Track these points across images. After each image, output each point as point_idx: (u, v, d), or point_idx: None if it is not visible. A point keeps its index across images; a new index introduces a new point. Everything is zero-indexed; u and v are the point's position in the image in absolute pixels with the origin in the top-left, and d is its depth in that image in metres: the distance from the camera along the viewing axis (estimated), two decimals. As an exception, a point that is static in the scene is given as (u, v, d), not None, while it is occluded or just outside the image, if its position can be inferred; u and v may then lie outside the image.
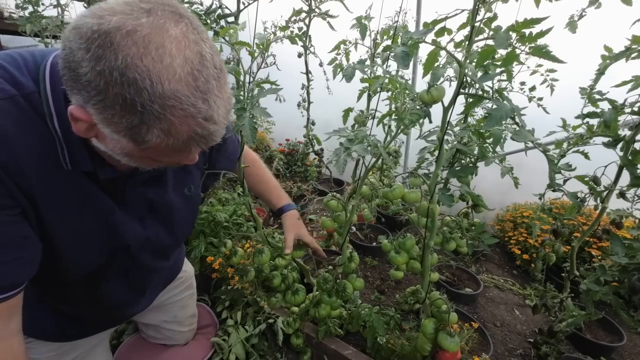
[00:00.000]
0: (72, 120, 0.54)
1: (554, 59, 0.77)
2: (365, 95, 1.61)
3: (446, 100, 0.93)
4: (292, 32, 1.96)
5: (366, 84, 1.38)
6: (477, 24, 0.81)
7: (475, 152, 1.14)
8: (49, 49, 0.65)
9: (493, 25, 0.82)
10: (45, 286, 0.81)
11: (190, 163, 0.66)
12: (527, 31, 0.77)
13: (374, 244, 2.14)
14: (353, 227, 2.20)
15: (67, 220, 0.67)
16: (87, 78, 0.47)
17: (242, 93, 0.86)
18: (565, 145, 1.23)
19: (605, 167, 1.19)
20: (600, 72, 1.22)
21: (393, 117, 0.98)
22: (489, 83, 1.10)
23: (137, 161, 0.61)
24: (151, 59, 0.47)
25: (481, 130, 1.07)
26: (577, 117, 1.21)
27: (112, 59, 0.46)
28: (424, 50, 0.91)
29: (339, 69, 1.50)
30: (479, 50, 0.86)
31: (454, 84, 0.90)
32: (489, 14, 0.81)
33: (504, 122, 0.79)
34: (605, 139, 1.14)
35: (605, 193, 1.19)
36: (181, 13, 0.51)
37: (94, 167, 0.65)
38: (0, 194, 0.57)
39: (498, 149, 1.15)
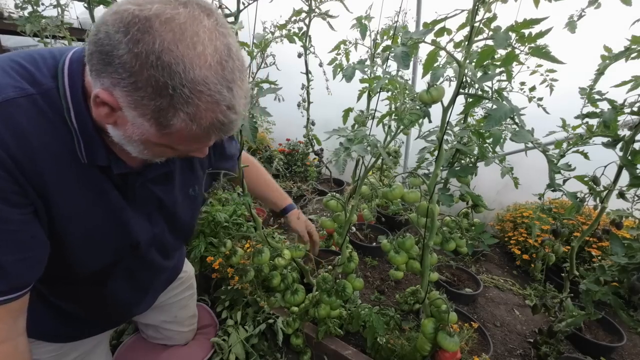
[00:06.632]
0: (94, 104, 0.55)
1: (553, 59, 0.77)
2: (365, 96, 1.62)
3: (446, 100, 0.93)
4: (289, 30, 1.96)
5: (366, 84, 1.38)
6: (476, 24, 0.82)
7: (475, 152, 1.14)
8: (68, 47, 0.66)
9: (492, 25, 0.82)
10: (52, 284, 0.81)
11: (201, 156, 0.68)
12: (526, 31, 0.77)
13: (374, 244, 2.14)
14: (353, 227, 2.20)
15: (79, 218, 0.68)
16: (123, 60, 0.49)
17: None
18: (564, 145, 1.23)
19: (605, 167, 1.19)
20: (600, 72, 1.22)
21: (393, 117, 0.98)
22: (489, 83, 1.11)
23: (151, 150, 0.62)
24: (186, 46, 0.49)
25: (481, 131, 1.07)
26: (576, 117, 1.21)
27: (150, 42, 0.48)
28: (424, 50, 0.90)
29: (339, 69, 1.51)
30: (479, 50, 0.86)
31: (454, 84, 0.90)
32: (488, 14, 0.81)
33: (503, 122, 0.79)
34: (605, 139, 1.14)
35: (604, 193, 1.19)
36: (211, 9, 0.54)
37: (109, 161, 0.66)
38: (15, 192, 0.57)
39: (498, 149, 1.15)
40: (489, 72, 0.86)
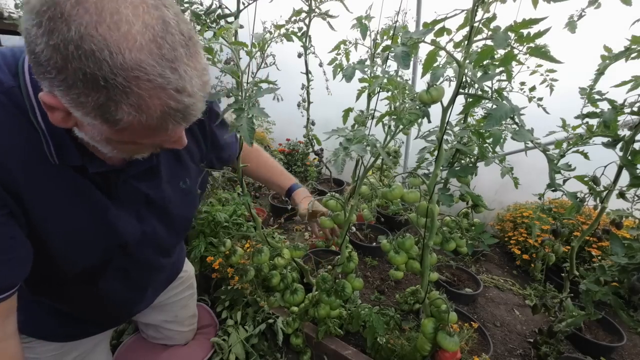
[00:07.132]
0: (47, 109, 0.51)
1: (552, 59, 0.77)
2: (365, 95, 1.61)
3: (445, 100, 0.93)
4: (287, 29, 1.96)
5: (366, 84, 1.38)
6: (476, 24, 0.82)
7: (475, 152, 1.14)
8: None
9: (492, 25, 0.82)
10: (42, 286, 0.80)
11: (179, 147, 0.63)
12: (525, 31, 0.77)
13: (374, 244, 2.14)
14: (353, 227, 2.19)
15: (59, 218, 0.66)
16: (45, 56, 0.43)
17: (240, 93, 0.86)
18: (564, 145, 1.23)
19: (605, 167, 1.19)
20: (600, 72, 1.22)
21: (392, 117, 0.98)
22: (489, 83, 1.10)
23: (119, 148, 0.59)
24: (106, 27, 0.43)
25: (481, 131, 1.07)
26: (576, 117, 1.21)
27: (65, 30, 0.42)
28: (424, 50, 0.90)
29: (339, 69, 1.50)
30: (479, 50, 0.86)
31: (454, 84, 0.90)
32: (487, 15, 0.81)
33: (503, 122, 0.79)
34: (605, 139, 1.14)
35: (604, 193, 1.19)
36: None
37: (83, 161, 0.63)
38: None
39: (498, 149, 1.15)
40: (489, 72, 0.85)
